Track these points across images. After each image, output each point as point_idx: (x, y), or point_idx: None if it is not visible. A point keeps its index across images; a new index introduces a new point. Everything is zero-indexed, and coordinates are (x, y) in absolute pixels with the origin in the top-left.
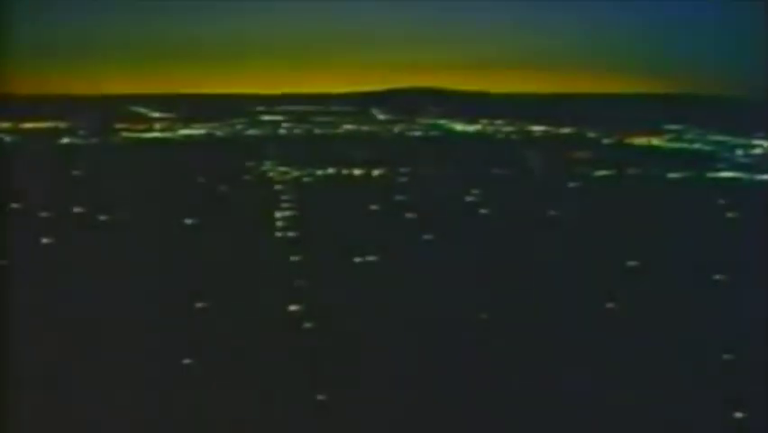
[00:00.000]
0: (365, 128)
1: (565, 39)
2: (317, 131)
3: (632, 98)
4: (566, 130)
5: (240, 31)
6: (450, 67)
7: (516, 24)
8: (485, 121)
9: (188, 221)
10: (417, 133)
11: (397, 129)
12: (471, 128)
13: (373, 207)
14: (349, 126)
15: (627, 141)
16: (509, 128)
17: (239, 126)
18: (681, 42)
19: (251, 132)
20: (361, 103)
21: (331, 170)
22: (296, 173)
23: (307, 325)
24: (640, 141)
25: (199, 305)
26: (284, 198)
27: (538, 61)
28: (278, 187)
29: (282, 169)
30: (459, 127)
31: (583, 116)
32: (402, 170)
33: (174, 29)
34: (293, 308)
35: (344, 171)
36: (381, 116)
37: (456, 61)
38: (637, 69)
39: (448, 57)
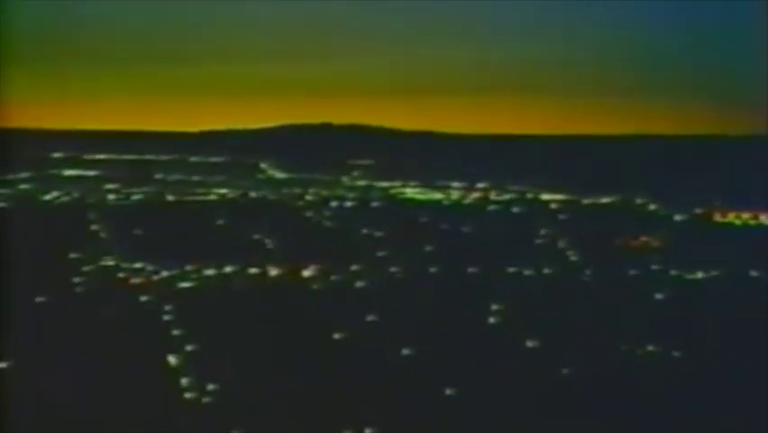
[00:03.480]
0: (255, 194)
1: (558, 46)
2: (172, 197)
3: (688, 140)
4: (606, 199)
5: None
6: (374, 91)
7: (477, 26)
8: (457, 184)
9: (3, 365)
10: (349, 204)
11: (310, 195)
12: (437, 195)
13: (337, 337)
14: (225, 190)
15: (716, 217)
16: (505, 195)
17: (23, 186)
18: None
19: (51, 195)
20: (238, 149)
21: (229, 268)
22: (165, 273)
23: None
24: (737, 217)
25: None
26: (166, 319)
27: (518, 83)
28: (144, 298)
29: (138, 265)
30: (413, 193)
31: (624, 175)
32: (353, 267)
33: None
34: None
35: (251, 270)
36: (277, 173)
37: (384, 83)
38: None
39: (372, 76)
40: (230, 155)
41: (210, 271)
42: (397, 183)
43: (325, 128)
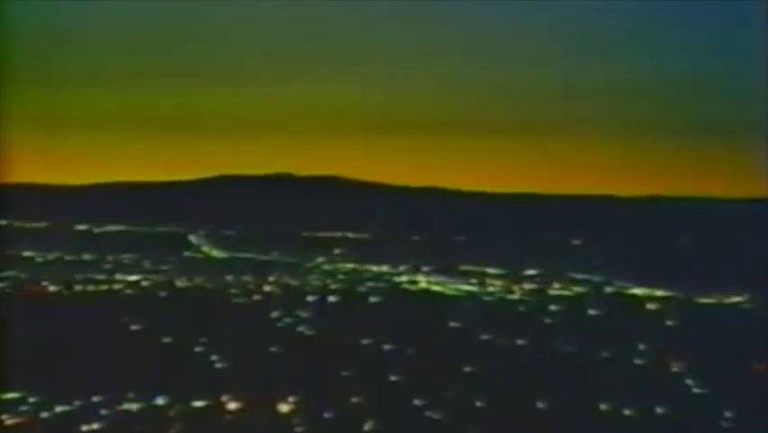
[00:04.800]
0: (183, 282)
1: (622, 69)
2: (54, 287)
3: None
4: (733, 298)
5: None
6: (351, 128)
7: (491, 42)
8: (495, 270)
9: None
10: (334, 299)
11: (271, 285)
12: (468, 287)
13: None
14: (138, 276)
15: None
16: (572, 288)
17: None
18: None
19: None
20: (154, 212)
21: (160, 400)
22: (59, 409)
23: None
24: None
25: None
26: None
27: (559, 116)
28: None
29: (14, 395)
30: (429, 283)
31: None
32: (354, 398)
33: None
34: None
35: (196, 403)
36: (215, 250)
37: (364, 116)
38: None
39: (346, 107)
40: (142, 222)
41: (131, 406)
42: (402, 268)
43: (281, 181)
